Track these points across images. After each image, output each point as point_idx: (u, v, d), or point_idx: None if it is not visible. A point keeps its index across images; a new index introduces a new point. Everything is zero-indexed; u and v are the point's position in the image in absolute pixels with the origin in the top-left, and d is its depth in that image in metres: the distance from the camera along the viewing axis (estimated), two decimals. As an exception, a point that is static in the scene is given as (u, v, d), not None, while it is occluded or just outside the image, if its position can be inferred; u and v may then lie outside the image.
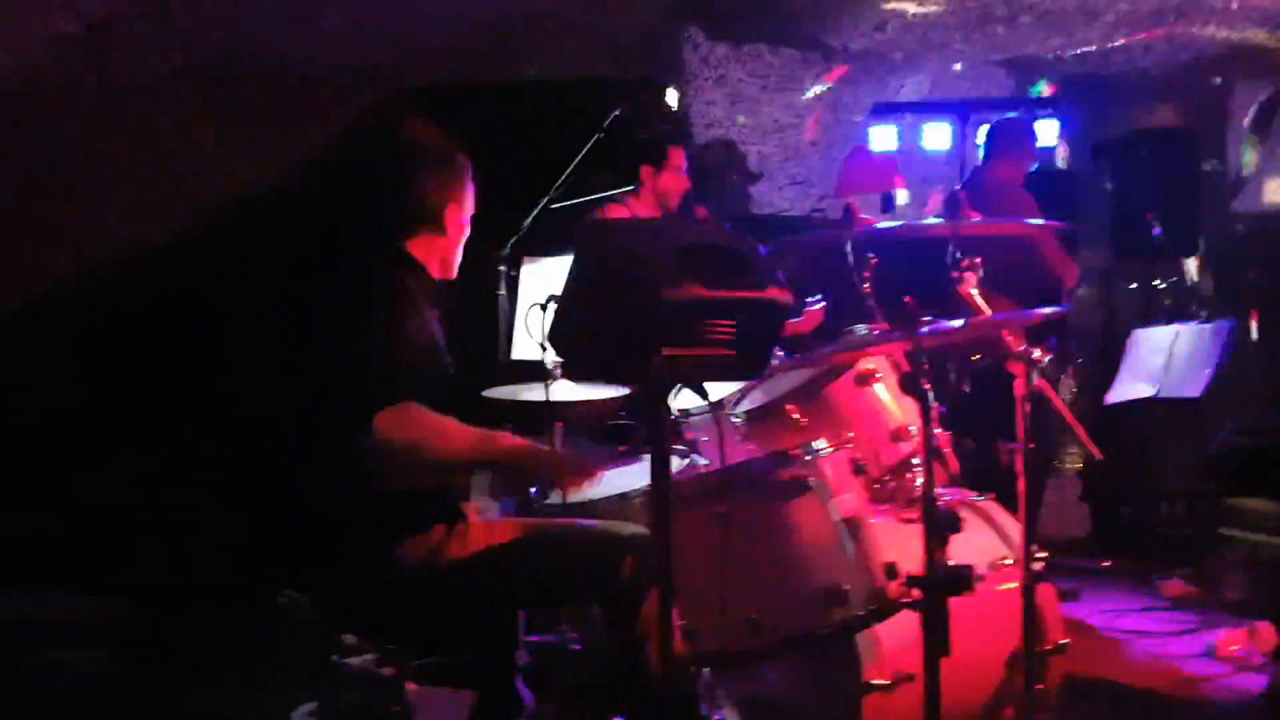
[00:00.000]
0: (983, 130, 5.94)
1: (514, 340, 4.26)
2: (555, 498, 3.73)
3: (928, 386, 3.10)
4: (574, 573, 3.33)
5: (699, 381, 2.61)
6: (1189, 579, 5.21)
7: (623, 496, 3.60)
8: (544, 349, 2.70)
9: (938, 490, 3.46)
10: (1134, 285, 5.76)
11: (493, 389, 4.03)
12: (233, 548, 4.50)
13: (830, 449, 3.17)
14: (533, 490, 3.81)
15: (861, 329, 3.56)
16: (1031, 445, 3.34)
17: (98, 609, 4.19)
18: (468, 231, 3.44)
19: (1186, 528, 5.63)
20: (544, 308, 2.70)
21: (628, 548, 3.32)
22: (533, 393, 4.03)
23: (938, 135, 7.26)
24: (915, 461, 3.45)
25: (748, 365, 2.63)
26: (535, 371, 4.22)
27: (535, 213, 4.31)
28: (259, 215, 5.00)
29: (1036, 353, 3.36)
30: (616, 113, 4.55)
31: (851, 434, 3.33)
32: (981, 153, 5.61)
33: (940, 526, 3.12)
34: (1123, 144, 7.31)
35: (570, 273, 2.56)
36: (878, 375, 3.50)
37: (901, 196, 7.01)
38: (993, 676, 3.46)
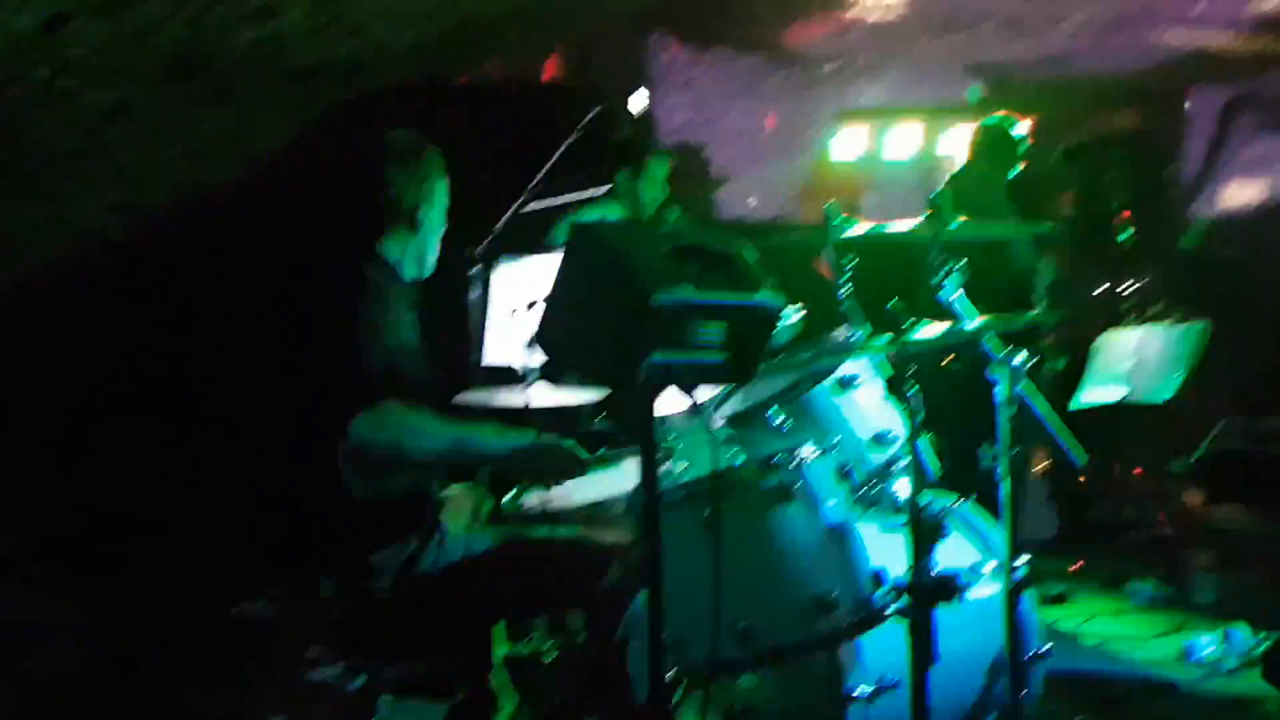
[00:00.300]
0: (961, 133, 5.86)
1: (486, 344, 4.15)
2: (533, 503, 3.64)
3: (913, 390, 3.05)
4: (553, 581, 3.26)
5: (690, 386, 2.52)
6: (1160, 582, 5.18)
7: (601, 503, 3.50)
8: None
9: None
10: (1104, 288, 5.75)
11: (465, 394, 3.93)
12: (206, 554, 4.38)
13: (817, 454, 3.09)
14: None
15: (842, 332, 3.49)
16: (1015, 449, 3.29)
17: (69, 613, 4.07)
18: (443, 228, 3.36)
19: (1155, 530, 5.58)
20: (532, 309, 2.60)
21: (608, 555, 3.25)
22: (507, 398, 3.93)
23: (907, 139, 7.21)
24: (898, 465, 3.39)
25: (739, 369, 2.55)
26: (509, 377, 4.12)
27: (509, 214, 4.20)
28: (228, 214, 4.87)
29: (1019, 357, 3.31)
30: (596, 110, 4.45)
31: (838, 438, 3.25)
32: (967, 155, 5.53)
33: (927, 532, 3.06)
34: (1090, 148, 7.30)
35: (558, 274, 2.47)
36: (859, 379, 3.43)
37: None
38: (975, 684, 3.40)
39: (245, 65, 5.07)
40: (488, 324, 4.17)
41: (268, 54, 5.24)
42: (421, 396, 3.26)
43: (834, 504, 3.07)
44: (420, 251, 3.33)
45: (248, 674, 3.85)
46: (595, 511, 3.52)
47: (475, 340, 4.16)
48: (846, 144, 7.33)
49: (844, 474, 3.19)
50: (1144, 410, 5.20)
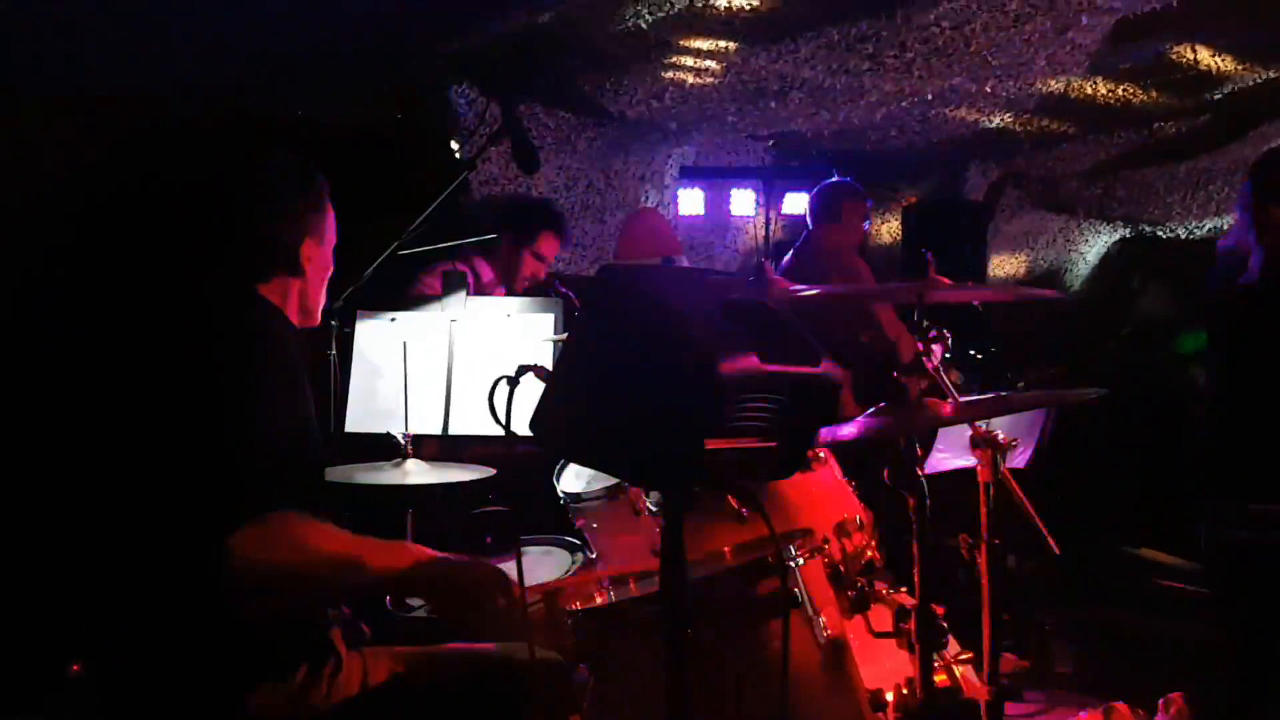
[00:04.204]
0: (797, 197, 5.32)
1: (349, 410, 3.26)
2: (422, 610, 2.78)
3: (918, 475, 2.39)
4: (472, 712, 2.41)
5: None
6: (1019, 654, 4.69)
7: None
8: (511, 435, 1.79)
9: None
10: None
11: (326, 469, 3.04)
12: None
13: (807, 555, 2.37)
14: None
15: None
16: (997, 540, 2.67)
17: None
18: (330, 270, 2.49)
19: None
20: (514, 381, 1.78)
21: (536, 676, 2.43)
22: (375, 474, 3.06)
23: (743, 201, 6.65)
24: (866, 559, 2.71)
25: (788, 461, 1.82)
26: (373, 448, 3.25)
27: (379, 261, 3.34)
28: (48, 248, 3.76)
29: (1001, 435, 2.70)
30: (470, 166, 3.70)
31: (825, 538, 2.54)
32: (809, 219, 4.96)
33: (928, 641, 2.40)
34: (939, 211, 6.93)
35: (578, 336, 1.68)
36: (820, 457, 2.74)
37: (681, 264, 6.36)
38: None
39: (40, 86, 4.05)
40: (349, 387, 3.28)
41: (63, 76, 4.23)
42: (319, 477, 2.40)
43: (828, 612, 2.35)
44: (305, 299, 2.44)
45: None
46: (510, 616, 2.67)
47: (336, 405, 3.27)
48: (690, 202, 6.73)
49: (835, 576, 2.48)
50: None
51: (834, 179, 4.97)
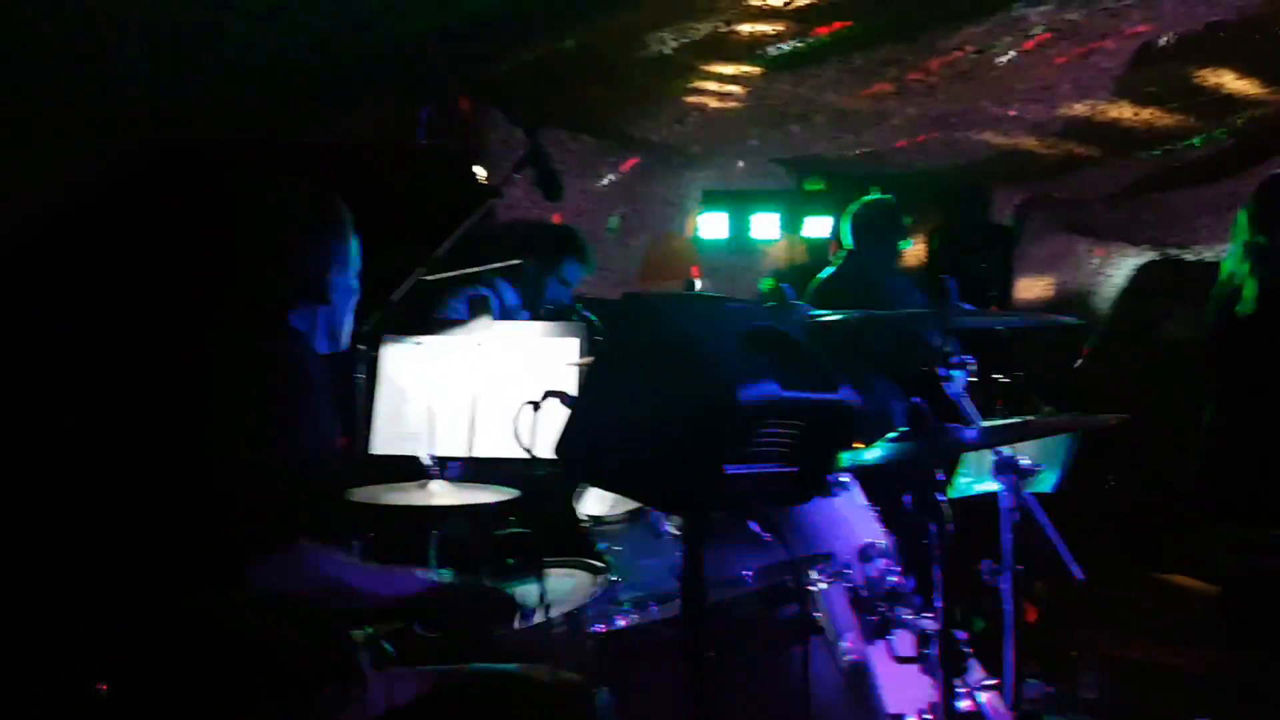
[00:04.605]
0: (819, 220, 5.32)
1: (375, 433, 3.30)
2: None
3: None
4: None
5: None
6: (1046, 679, 4.66)
7: (536, 629, 2.69)
8: (532, 457, 1.82)
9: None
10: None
11: (351, 490, 3.07)
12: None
13: (830, 579, 2.38)
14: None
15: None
16: (1020, 567, 2.67)
17: None
18: (357, 296, 2.54)
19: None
20: (538, 406, 1.81)
21: (559, 697, 2.46)
22: (400, 495, 3.09)
23: (766, 224, 6.67)
24: (888, 583, 2.71)
25: (808, 484, 1.84)
26: (399, 469, 3.28)
27: (404, 288, 3.38)
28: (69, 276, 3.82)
29: (1024, 460, 2.72)
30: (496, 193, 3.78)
31: (847, 561, 2.55)
32: (849, 240, 4.93)
33: (951, 666, 2.40)
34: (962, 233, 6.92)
35: (601, 362, 1.71)
36: (842, 482, 2.75)
37: (698, 285, 6.37)
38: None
39: (71, 107, 4.11)
40: (375, 409, 3.32)
41: (92, 97, 4.30)
42: (336, 497, 2.45)
43: (851, 638, 2.36)
44: (332, 326, 2.49)
45: None
46: (528, 638, 2.71)
47: (361, 427, 3.30)
48: (713, 225, 6.76)
49: (858, 600, 2.49)
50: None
51: (874, 196, 4.96)
